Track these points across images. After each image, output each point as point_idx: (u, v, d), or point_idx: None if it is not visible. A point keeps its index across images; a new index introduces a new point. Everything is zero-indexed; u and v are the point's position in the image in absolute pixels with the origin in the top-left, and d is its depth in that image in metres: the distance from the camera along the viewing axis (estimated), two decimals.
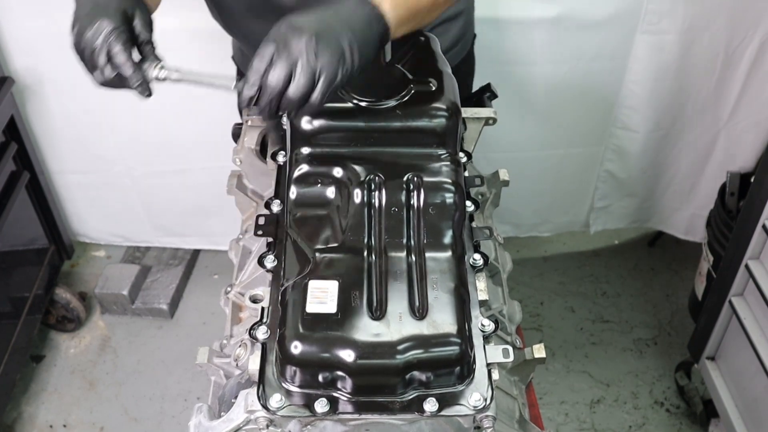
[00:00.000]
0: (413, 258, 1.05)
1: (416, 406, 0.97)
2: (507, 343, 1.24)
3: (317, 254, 1.04)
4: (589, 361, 2.39)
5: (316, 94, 0.96)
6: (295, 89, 0.95)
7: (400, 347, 0.95)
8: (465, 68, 1.64)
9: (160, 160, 2.34)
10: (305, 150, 1.12)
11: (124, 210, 2.49)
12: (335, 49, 0.96)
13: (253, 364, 1.01)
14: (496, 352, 1.03)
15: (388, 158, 1.11)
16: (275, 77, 0.95)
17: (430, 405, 0.97)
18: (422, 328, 0.97)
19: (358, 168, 1.10)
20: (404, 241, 1.06)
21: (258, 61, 0.96)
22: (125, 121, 2.24)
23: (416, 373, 0.96)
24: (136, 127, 2.26)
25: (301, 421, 1.00)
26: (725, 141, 2.23)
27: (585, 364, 2.38)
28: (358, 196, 1.09)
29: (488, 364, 1.02)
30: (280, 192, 1.21)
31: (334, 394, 0.97)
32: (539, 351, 1.24)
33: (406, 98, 1.14)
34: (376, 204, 1.09)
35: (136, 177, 2.38)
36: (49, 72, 2.14)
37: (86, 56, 1.04)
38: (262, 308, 1.07)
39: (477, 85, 1.57)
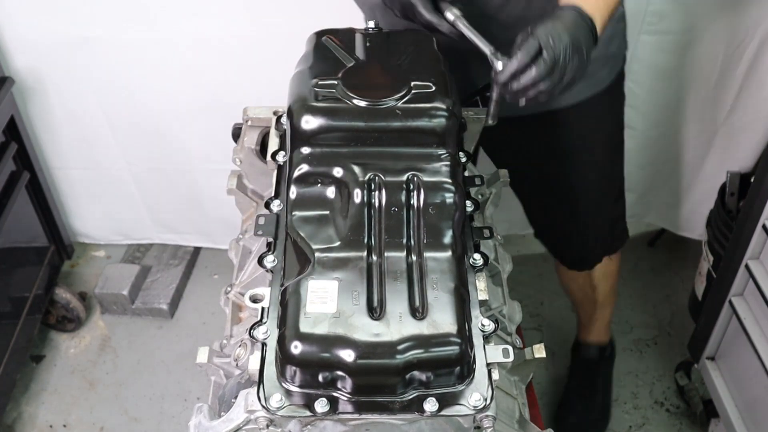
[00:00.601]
0: (413, 258, 1.05)
1: (416, 405, 0.97)
2: (507, 343, 1.24)
3: (317, 254, 1.04)
4: None
5: (559, 90, 1.16)
6: (549, 84, 1.14)
7: (400, 347, 0.95)
8: (616, 92, 1.67)
9: (161, 158, 2.34)
10: (305, 150, 1.12)
11: (124, 206, 2.50)
12: (581, 57, 1.15)
13: (253, 364, 1.01)
14: (496, 352, 1.03)
15: (388, 158, 1.11)
16: (539, 72, 1.12)
17: (430, 405, 0.97)
18: (422, 328, 0.97)
19: (357, 168, 1.10)
20: (404, 241, 1.06)
21: (524, 54, 1.13)
22: (125, 120, 2.25)
23: (416, 373, 0.96)
24: (135, 126, 2.26)
25: (301, 421, 1.00)
26: (723, 139, 2.24)
27: None
28: (357, 195, 1.09)
29: (488, 364, 1.02)
30: (280, 192, 1.22)
31: (334, 394, 0.97)
32: (539, 351, 1.24)
33: (405, 98, 1.14)
34: (376, 204, 1.09)
35: (137, 173, 2.39)
36: (49, 71, 2.14)
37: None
38: (262, 308, 1.07)
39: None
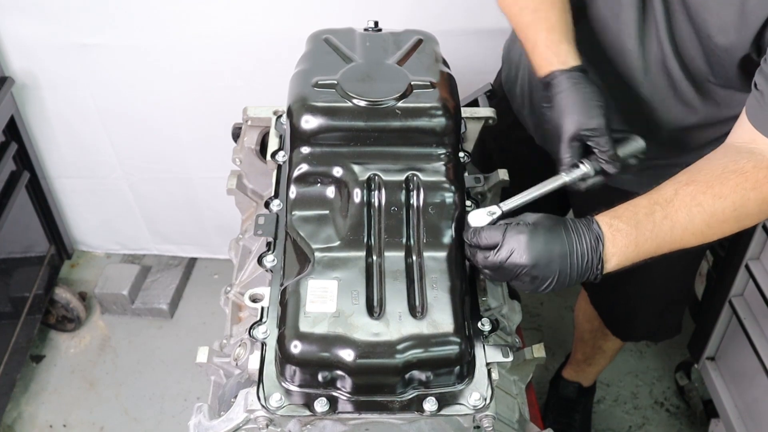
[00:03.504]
0: (413, 257, 1.05)
1: (416, 405, 0.98)
2: (507, 343, 1.24)
3: (317, 254, 1.04)
4: None
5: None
6: (492, 275, 1.06)
7: (400, 347, 0.95)
8: None
9: (158, 167, 2.33)
10: (305, 149, 1.12)
11: (121, 216, 2.49)
12: (537, 285, 1.04)
13: (253, 364, 1.01)
14: (495, 352, 1.04)
15: (388, 158, 1.11)
16: (493, 261, 1.03)
17: (430, 404, 0.97)
18: (422, 327, 0.97)
19: (357, 167, 1.10)
20: (404, 240, 1.06)
21: (490, 234, 1.04)
22: (122, 128, 2.24)
23: (416, 373, 0.96)
24: (133, 134, 2.25)
25: (301, 421, 1.00)
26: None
27: None
28: (357, 195, 1.09)
29: (488, 364, 1.02)
30: (280, 191, 1.22)
31: (334, 394, 0.97)
32: (539, 351, 1.24)
33: (405, 98, 1.14)
34: (376, 203, 1.09)
35: (134, 183, 2.38)
36: (46, 76, 2.13)
37: None
38: (262, 308, 1.07)
39: (478, 84, 1.57)
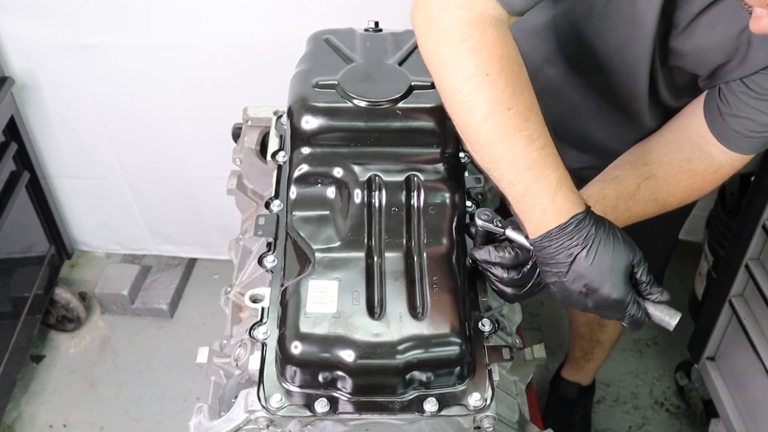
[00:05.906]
0: (413, 258, 1.05)
1: (416, 406, 0.98)
2: (507, 343, 1.24)
3: (317, 254, 1.04)
4: None
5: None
6: (508, 294, 1.09)
7: (400, 347, 0.95)
8: None
9: (158, 167, 2.33)
10: (305, 150, 1.12)
11: (121, 216, 2.48)
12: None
13: (253, 364, 1.01)
14: (495, 353, 1.03)
15: (388, 158, 1.11)
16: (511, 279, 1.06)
17: (430, 405, 0.97)
18: (422, 328, 0.97)
19: (358, 168, 1.10)
20: (404, 241, 1.07)
21: (511, 259, 1.05)
22: (122, 127, 2.24)
23: (416, 373, 0.96)
24: (133, 134, 2.25)
25: (302, 421, 1.00)
26: None
27: None
28: (358, 196, 1.09)
29: (488, 364, 1.02)
30: (280, 192, 1.22)
31: (335, 394, 0.98)
32: (539, 351, 1.24)
33: (406, 98, 1.14)
34: (376, 204, 1.09)
35: (133, 182, 2.38)
36: (46, 77, 2.13)
37: None
38: (262, 308, 1.07)
39: None
